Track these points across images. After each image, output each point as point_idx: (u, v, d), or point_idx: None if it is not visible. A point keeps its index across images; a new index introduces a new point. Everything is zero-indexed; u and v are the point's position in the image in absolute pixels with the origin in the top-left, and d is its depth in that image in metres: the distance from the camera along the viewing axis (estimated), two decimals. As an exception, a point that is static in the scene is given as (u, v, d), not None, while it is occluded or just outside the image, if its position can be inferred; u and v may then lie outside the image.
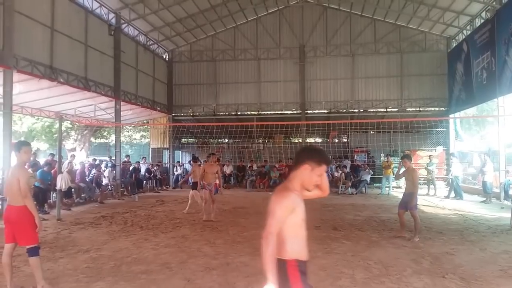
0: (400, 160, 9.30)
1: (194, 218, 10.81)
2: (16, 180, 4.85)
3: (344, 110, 22.51)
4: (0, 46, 11.01)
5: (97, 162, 17.49)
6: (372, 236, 8.50)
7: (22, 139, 22.66)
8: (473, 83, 17.58)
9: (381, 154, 20.97)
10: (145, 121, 25.38)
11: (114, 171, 16.81)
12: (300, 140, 22.92)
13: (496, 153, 15.92)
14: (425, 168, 18.01)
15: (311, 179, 2.77)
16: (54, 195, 12.61)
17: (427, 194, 16.84)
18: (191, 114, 23.93)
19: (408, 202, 8.35)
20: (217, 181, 11.38)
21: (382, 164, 19.23)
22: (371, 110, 22.39)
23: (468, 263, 6.39)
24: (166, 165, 23.06)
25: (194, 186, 12.34)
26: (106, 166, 17.41)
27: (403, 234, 8.43)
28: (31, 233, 4.89)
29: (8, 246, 4.97)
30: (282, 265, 2.56)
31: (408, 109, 22.03)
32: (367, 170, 19.05)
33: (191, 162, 15.51)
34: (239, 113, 23.24)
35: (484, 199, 14.55)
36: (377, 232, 8.94)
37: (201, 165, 12.85)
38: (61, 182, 11.34)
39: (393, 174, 16.18)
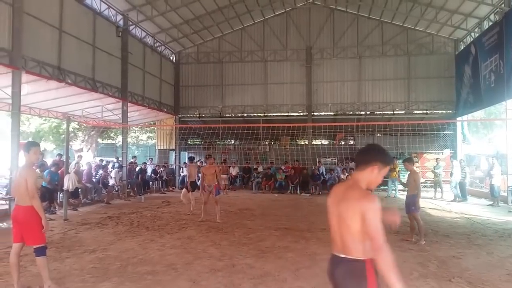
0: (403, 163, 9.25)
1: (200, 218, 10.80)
2: (24, 180, 4.88)
3: (351, 112, 22.47)
4: (9, 47, 11.11)
5: (104, 162, 17.57)
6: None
7: (30, 139, 22.84)
8: (481, 86, 17.46)
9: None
10: (151, 122, 25.46)
11: (121, 172, 16.88)
12: (307, 142, 22.89)
13: (504, 157, 15.81)
14: (432, 171, 17.90)
15: (378, 180, 2.71)
16: (61, 195, 12.69)
17: (434, 197, 16.76)
18: (198, 116, 23.99)
19: (410, 205, 8.34)
20: (220, 182, 11.39)
21: (405, 167, 19.11)
22: (378, 112, 22.32)
23: (475, 267, 6.35)
24: (173, 166, 23.11)
25: (190, 185, 12.79)
26: (113, 167, 17.48)
27: (410, 238, 8.37)
28: (38, 233, 4.92)
29: (16, 245, 5.00)
30: (360, 265, 2.54)
31: (415, 112, 21.94)
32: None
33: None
34: (245, 114, 23.26)
35: (492, 202, 14.45)
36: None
37: (200, 166, 13.01)
38: (68, 183, 11.41)
39: (398, 177, 16.14)
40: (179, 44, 22.95)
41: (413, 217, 8.33)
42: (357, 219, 2.49)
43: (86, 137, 28.36)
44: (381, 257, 2.43)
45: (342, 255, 2.63)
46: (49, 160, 16.49)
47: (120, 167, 17.29)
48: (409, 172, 8.80)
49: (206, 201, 10.82)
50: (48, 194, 11.77)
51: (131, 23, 17.96)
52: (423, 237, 8.16)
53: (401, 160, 19.17)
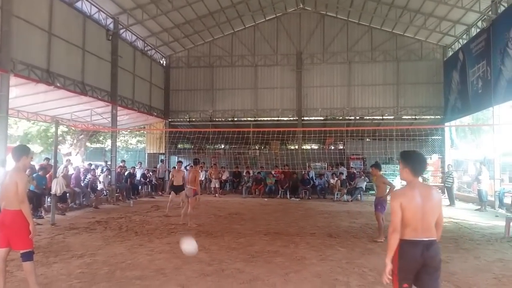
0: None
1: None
2: (14, 184, 4.80)
3: (340, 117, 22.57)
4: (-3, 49, 11.02)
5: (93, 167, 17.42)
6: (368, 244, 8.51)
7: (18, 143, 22.61)
8: (468, 92, 17.69)
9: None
10: (141, 126, 25.37)
11: (109, 176, 16.75)
12: (297, 147, 22.95)
13: (491, 162, 16.00)
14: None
15: None
16: (48, 199, 12.56)
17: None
18: (188, 120, 23.95)
19: (376, 205, 9.08)
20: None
21: (371, 171, 19.25)
22: (367, 117, 22.47)
23: (462, 271, 6.41)
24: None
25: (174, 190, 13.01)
26: (102, 171, 17.34)
27: (380, 239, 8.68)
28: (26, 237, 4.85)
29: (2, 250, 4.91)
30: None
31: (404, 117, 22.12)
32: (363, 177, 19.07)
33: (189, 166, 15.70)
34: (235, 119, 23.27)
35: (479, 207, 14.61)
36: (372, 240, 8.94)
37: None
38: (56, 187, 11.29)
39: None
40: (170, 48, 22.93)
41: (376, 216, 9.07)
42: (440, 210, 3.60)
43: (75, 141, 28.11)
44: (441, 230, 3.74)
45: (428, 238, 3.52)
46: (35, 163, 16.30)
47: (108, 171, 17.15)
48: (375, 177, 9.57)
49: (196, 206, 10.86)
50: (36, 198, 11.64)
51: (121, 26, 17.89)
52: (381, 235, 8.70)
53: (390, 165, 19.47)
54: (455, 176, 17.17)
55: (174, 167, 14.86)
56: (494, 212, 13.92)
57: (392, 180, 16.45)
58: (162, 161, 23.12)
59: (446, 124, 20.95)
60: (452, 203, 15.93)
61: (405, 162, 3.61)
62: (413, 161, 3.59)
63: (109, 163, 18.65)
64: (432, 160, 20.81)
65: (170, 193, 13.28)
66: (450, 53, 20.78)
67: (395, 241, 3.50)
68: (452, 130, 21.86)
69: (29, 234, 4.85)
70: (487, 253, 7.71)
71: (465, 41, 18.53)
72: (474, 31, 17.64)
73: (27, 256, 4.87)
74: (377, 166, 9.59)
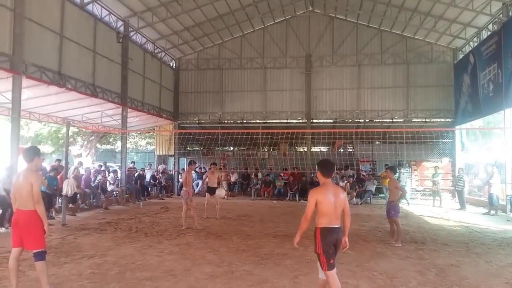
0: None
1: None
2: (28, 184, 4.85)
3: (350, 120, 22.51)
4: (10, 52, 11.13)
5: (103, 168, 17.53)
6: (377, 247, 8.47)
7: (29, 144, 22.84)
8: (479, 95, 17.54)
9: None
10: (151, 128, 25.48)
11: (118, 177, 16.85)
12: (306, 149, 22.91)
13: (503, 165, 15.84)
14: (430, 179, 17.92)
15: None
16: (59, 200, 12.67)
17: (433, 206, 16.78)
18: (197, 122, 24.02)
19: (390, 210, 8.92)
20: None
21: (381, 174, 19.19)
22: (377, 120, 22.37)
23: (473, 276, 6.35)
24: (171, 172, 23.10)
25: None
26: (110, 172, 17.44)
27: (398, 243, 8.64)
28: (39, 237, 4.91)
29: (15, 250, 4.98)
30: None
31: (414, 120, 21.98)
32: (372, 180, 18.98)
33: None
34: (244, 121, 23.27)
35: (487, 211, 14.48)
36: (382, 243, 8.89)
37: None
38: (67, 188, 11.39)
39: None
40: (179, 51, 23.02)
41: (393, 221, 8.89)
42: (345, 203, 4.65)
43: (85, 142, 28.33)
44: (349, 218, 4.84)
45: (338, 225, 4.58)
46: (46, 164, 16.45)
47: (115, 171, 17.23)
48: (388, 179, 9.63)
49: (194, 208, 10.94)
50: (47, 199, 11.74)
51: (131, 29, 18.02)
52: (399, 240, 8.66)
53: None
54: (466, 180, 17.03)
55: (183, 169, 14.88)
56: (505, 217, 13.78)
57: (400, 183, 16.40)
58: (164, 161, 24.01)
59: (457, 127, 20.79)
60: (462, 207, 15.81)
61: (318, 167, 4.68)
62: (322, 167, 4.64)
63: (111, 164, 18.70)
64: (443, 163, 20.64)
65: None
66: (461, 56, 20.63)
67: (305, 226, 4.50)
68: (463, 133, 21.69)
69: (43, 234, 4.92)
70: (499, 258, 7.63)
71: (476, 44, 18.38)
72: (485, 34, 17.49)
73: (40, 256, 4.93)
74: (392, 169, 9.60)
